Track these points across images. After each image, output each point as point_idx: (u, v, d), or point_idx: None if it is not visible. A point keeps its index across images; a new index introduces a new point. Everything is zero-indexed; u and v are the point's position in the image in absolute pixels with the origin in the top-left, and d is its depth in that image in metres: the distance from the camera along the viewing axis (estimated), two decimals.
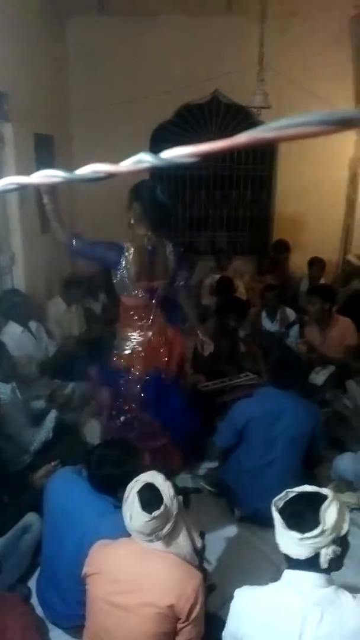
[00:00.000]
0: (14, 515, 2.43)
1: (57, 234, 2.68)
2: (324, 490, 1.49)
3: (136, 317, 2.90)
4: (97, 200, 4.73)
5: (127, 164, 0.50)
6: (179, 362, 3.04)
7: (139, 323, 2.90)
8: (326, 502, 1.42)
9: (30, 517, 2.42)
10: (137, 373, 2.91)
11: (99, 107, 5.19)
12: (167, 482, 1.75)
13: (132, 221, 2.76)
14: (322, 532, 1.38)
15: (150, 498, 1.67)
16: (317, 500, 1.44)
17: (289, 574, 1.48)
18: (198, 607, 1.67)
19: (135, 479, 1.75)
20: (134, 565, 1.71)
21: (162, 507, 1.66)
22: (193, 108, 5.69)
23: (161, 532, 1.69)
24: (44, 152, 4.48)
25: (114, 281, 2.81)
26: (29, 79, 4.08)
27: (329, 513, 1.41)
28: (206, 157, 0.44)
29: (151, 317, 2.88)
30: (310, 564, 1.43)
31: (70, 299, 4.43)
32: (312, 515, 1.41)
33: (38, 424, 3.05)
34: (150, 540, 1.70)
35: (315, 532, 1.38)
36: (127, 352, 2.93)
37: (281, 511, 1.46)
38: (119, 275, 2.76)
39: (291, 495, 1.50)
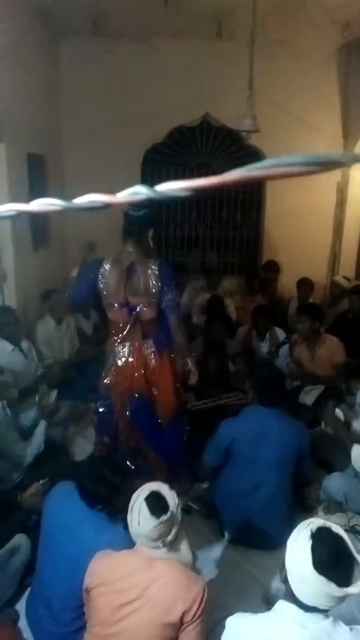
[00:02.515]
0: (2, 537, 2.39)
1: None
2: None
3: (115, 333, 2.89)
4: (90, 217, 4.75)
5: (123, 195, 0.53)
6: (167, 385, 2.96)
7: (116, 338, 2.89)
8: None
9: (19, 539, 2.39)
10: (112, 395, 2.90)
11: (91, 128, 5.27)
12: (172, 491, 1.85)
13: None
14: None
15: (156, 504, 1.77)
16: (346, 549, 1.34)
17: (284, 606, 1.41)
18: (202, 605, 1.71)
19: (140, 488, 1.84)
20: (140, 573, 1.76)
21: (169, 513, 1.75)
22: (184, 130, 5.80)
23: (167, 538, 1.77)
24: (37, 171, 4.52)
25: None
26: (22, 99, 4.14)
27: None
28: (198, 191, 0.47)
29: (125, 333, 2.83)
30: (320, 610, 1.36)
31: (56, 314, 4.31)
32: (348, 568, 1.31)
33: (27, 439, 3.03)
34: (156, 547, 1.77)
35: (357, 589, 1.28)
36: (111, 368, 2.94)
37: (313, 547, 1.34)
38: (99, 287, 2.78)
39: (316, 528, 1.37)
